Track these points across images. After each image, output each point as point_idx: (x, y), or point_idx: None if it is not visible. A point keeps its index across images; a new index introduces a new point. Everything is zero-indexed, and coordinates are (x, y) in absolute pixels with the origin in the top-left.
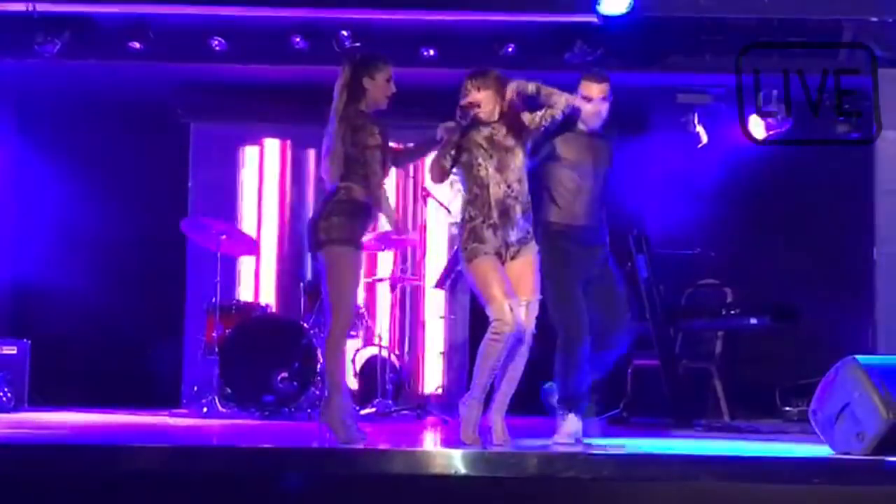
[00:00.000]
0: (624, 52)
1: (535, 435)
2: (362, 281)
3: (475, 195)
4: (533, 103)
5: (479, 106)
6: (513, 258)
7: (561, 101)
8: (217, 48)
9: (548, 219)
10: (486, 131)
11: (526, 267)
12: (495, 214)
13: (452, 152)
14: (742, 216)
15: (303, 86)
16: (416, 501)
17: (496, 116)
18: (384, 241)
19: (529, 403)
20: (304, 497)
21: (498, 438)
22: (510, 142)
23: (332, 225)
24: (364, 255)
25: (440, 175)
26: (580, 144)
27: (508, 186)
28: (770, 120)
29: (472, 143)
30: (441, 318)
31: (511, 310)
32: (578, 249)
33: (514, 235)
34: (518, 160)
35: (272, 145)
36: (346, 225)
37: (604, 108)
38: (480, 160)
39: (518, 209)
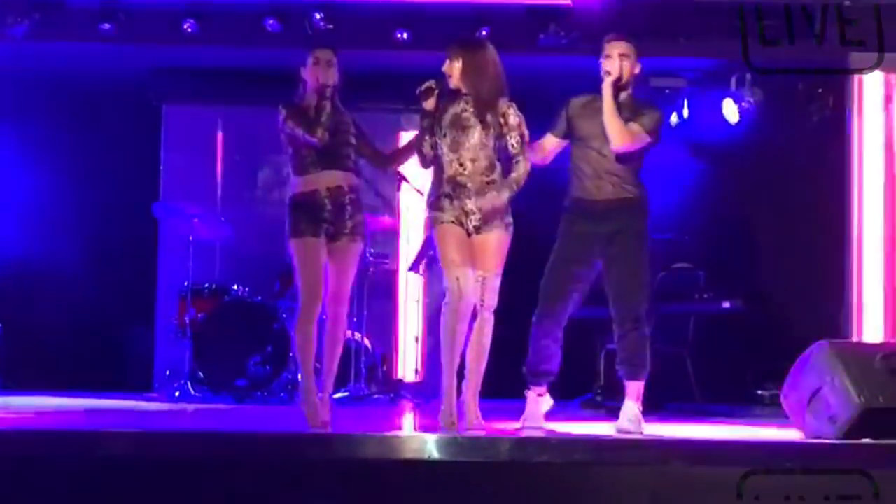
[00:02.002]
0: (597, 36)
1: (513, 418)
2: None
3: (436, 173)
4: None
5: (432, 90)
6: (478, 232)
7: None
8: (189, 30)
9: (568, 194)
10: (457, 107)
11: (488, 244)
12: (448, 188)
13: (427, 137)
14: (716, 200)
15: (276, 68)
16: (388, 486)
17: (470, 88)
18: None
19: (506, 386)
20: (277, 482)
21: (470, 423)
22: (471, 120)
23: (288, 218)
24: (312, 242)
25: (423, 160)
26: (596, 118)
27: (461, 164)
28: (743, 103)
29: (439, 123)
30: (417, 301)
31: (458, 279)
32: (582, 224)
33: (471, 204)
34: (475, 138)
35: None
36: (294, 218)
37: (626, 65)
38: (438, 140)
39: (471, 186)
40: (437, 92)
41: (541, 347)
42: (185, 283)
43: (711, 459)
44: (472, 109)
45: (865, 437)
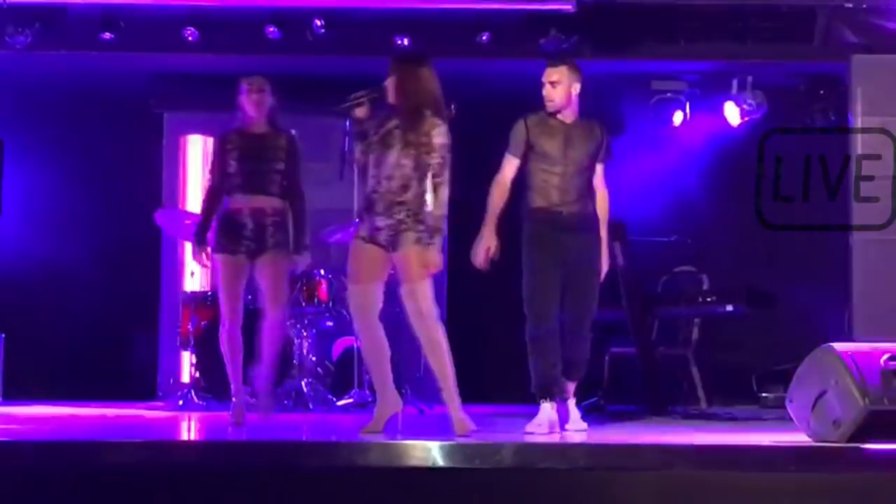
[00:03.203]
0: (598, 40)
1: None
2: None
3: (361, 186)
4: None
5: (362, 102)
6: (392, 248)
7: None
8: (189, 38)
9: (526, 204)
10: (390, 124)
11: (401, 260)
12: (364, 204)
13: (358, 143)
14: (719, 203)
15: (276, 75)
16: (392, 494)
17: (399, 105)
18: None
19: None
20: (280, 490)
21: (458, 429)
22: (395, 139)
23: (214, 233)
24: (231, 259)
25: (358, 166)
26: (553, 133)
27: (377, 182)
28: (745, 106)
29: (372, 137)
30: None
31: (350, 294)
32: (553, 234)
33: (379, 221)
34: (392, 157)
35: None
36: (217, 235)
37: (554, 92)
38: (369, 153)
39: (380, 205)
40: (366, 100)
41: (547, 360)
42: (188, 291)
43: (716, 463)
44: (399, 128)
45: (870, 440)
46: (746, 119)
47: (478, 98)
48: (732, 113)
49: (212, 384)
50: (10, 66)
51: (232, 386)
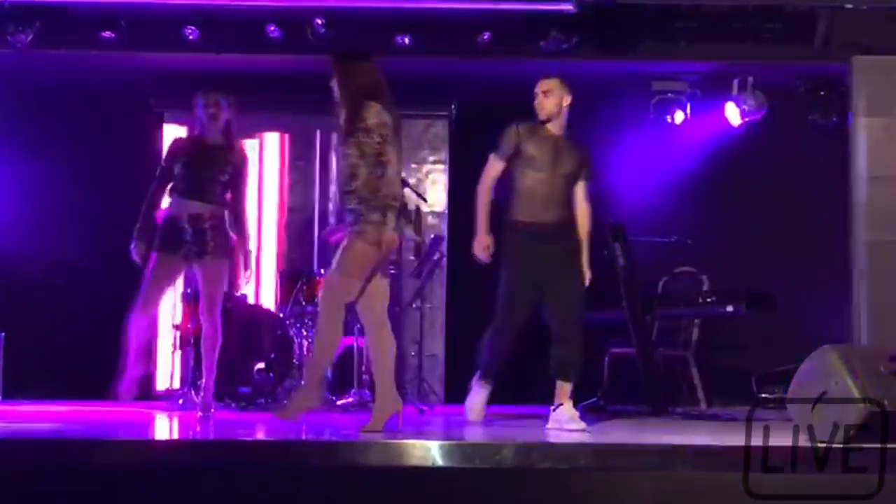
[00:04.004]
0: (599, 40)
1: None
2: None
3: None
4: None
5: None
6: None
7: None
8: (190, 37)
9: (509, 214)
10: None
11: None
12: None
13: None
14: (719, 204)
15: (277, 75)
16: (392, 493)
17: (340, 101)
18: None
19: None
20: (280, 489)
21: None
22: (341, 133)
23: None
24: (166, 262)
25: None
26: (543, 142)
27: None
28: (745, 107)
29: None
30: (416, 307)
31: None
32: (535, 246)
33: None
34: (340, 152)
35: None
36: (158, 235)
37: (546, 102)
38: None
39: (338, 199)
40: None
41: (497, 356)
42: (188, 290)
43: (716, 464)
44: (343, 121)
45: (871, 441)
46: (747, 120)
47: (478, 98)
48: (733, 113)
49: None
50: (11, 65)
51: (123, 362)
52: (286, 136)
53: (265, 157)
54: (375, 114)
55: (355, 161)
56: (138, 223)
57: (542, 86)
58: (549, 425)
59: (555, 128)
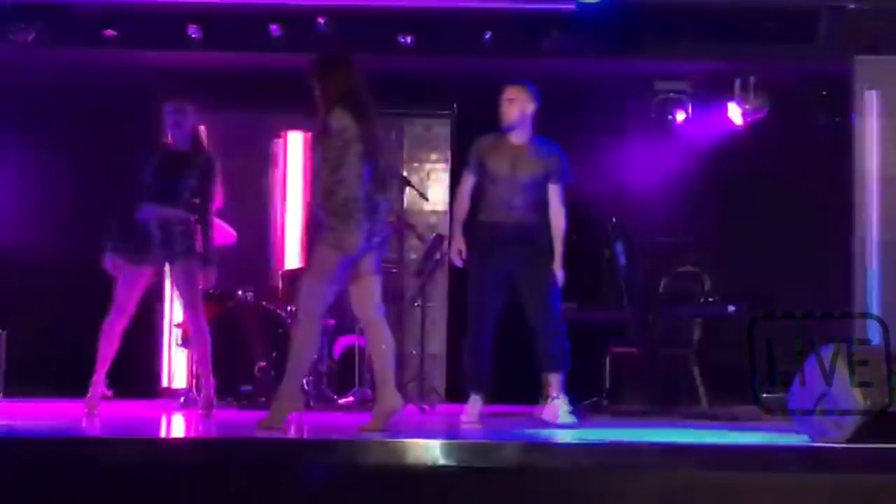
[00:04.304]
0: (601, 40)
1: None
2: None
3: None
4: None
5: None
6: None
7: None
8: (193, 36)
9: (474, 216)
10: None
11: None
12: None
13: None
14: (721, 203)
15: (280, 73)
16: (393, 492)
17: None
18: None
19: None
20: (281, 488)
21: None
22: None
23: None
24: (135, 269)
25: None
26: (502, 153)
27: None
28: (747, 107)
29: None
30: (417, 305)
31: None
32: (497, 247)
33: None
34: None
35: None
36: (126, 243)
37: (509, 109)
38: None
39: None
40: None
41: (479, 357)
42: None
43: (717, 464)
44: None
45: (872, 441)
46: (749, 119)
47: (480, 97)
48: (735, 113)
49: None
50: (13, 63)
51: (94, 376)
52: (310, 134)
53: (289, 155)
54: (338, 118)
55: (318, 165)
56: (110, 233)
57: (507, 93)
58: (543, 416)
59: (517, 136)
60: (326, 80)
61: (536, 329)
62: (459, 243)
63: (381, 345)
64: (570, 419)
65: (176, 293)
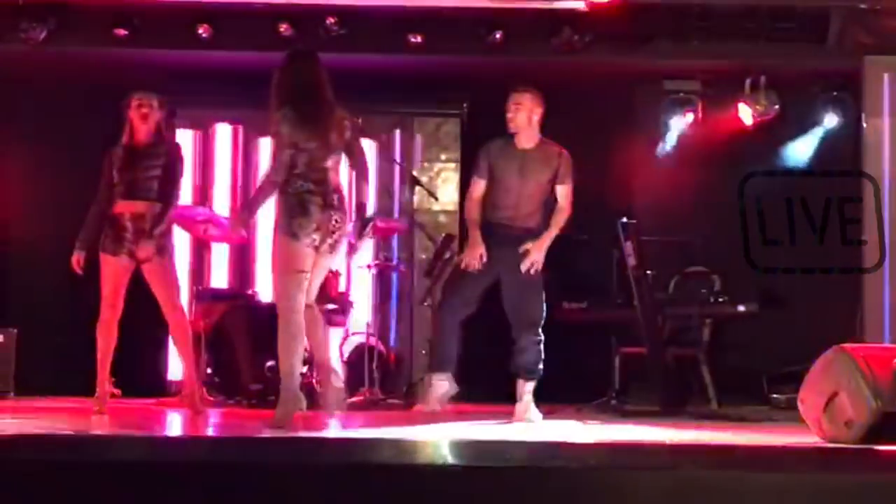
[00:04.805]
0: (611, 39)
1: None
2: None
3: None
4: None
5: None
6: None
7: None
8: (203, 35)
9: (485, 219)
10: None
11: None
12: None
13: None
14: (730, 203)
15: None
16: (403, 490)
17: None
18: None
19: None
20: (292, 486)
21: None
22: None
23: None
24: (112, 260)
25: None
26: (510, 159)
27: None
28: (758, 107)
29: None
30: (427, 304)
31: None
32: (494, 245)
33: None
34: None
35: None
36: (102, 237)
37: (516, 116)
38: None
39: None
40: None
41: (446, 340)
42: (199, 287)
43: (726, 464)
44: None
45: (882, 442)
46: (759, 119)
47: (490, 97)
48: (745, 113)
49: (223, 380)
50: (25, 62)
51: (98, 376)
52: None
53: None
54: (281, 115)
55: (269, 160)
56: (81, 234)
57: (514, 99)
58: (514, 415)
59: (525, 140)
60: (281, 74)
61: (515, 335)
62: (481, 248)
63: (309, 327)
64: (536, 417)
65: (153, 290)
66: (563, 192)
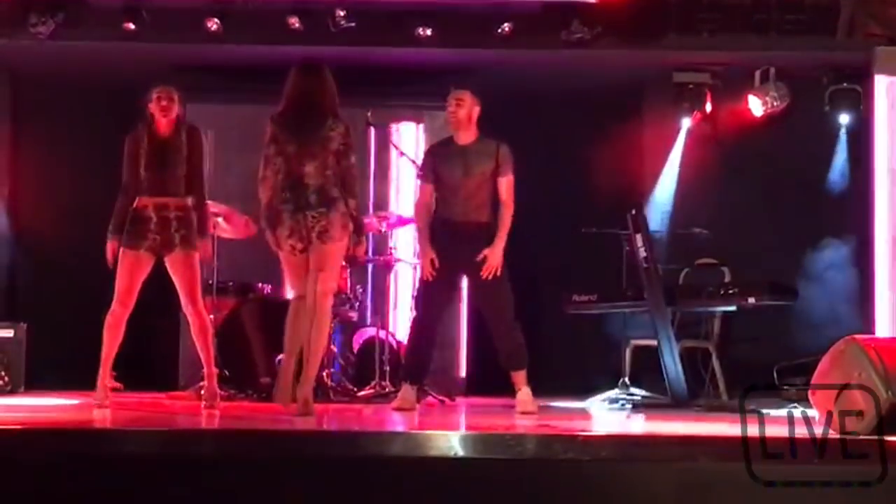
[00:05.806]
0: (621, 31)
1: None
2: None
3: None
4: None
5: None
6: None
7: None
8: (212, 28)
9: (435, 216)
10: None
11: None
12: None
13: None
14: (741, 195)
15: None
16: (414, 483)
17: None
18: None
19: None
20: (301, 480)
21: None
22: None
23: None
24: (132, 254)
25: None
26: (451, 157)
27: None
28: (767, 99)
29: None
30: None
31: None
32: (451, 243)
33: None
34: None
35: None
36: (124, 230)
37: (458, 111)
38: None
39: None
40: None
41: (419, 348)
42: (210, 281)
43: (737, 455)
44: None
45: (893, 433)
46: (769, 111)
47: (499, 89)
48: (755, 105)
49: (233, 374)
50: (33, 56)
51: (100, 371)
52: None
53: None
54: (270, 125)
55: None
56: (113, 223)
57: (455, 96)
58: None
59: (465, 137)
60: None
61: (492, 327)
62: (431, 254)
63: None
64: (533, 408)
65: (175, 282)
66: (505, 185)
